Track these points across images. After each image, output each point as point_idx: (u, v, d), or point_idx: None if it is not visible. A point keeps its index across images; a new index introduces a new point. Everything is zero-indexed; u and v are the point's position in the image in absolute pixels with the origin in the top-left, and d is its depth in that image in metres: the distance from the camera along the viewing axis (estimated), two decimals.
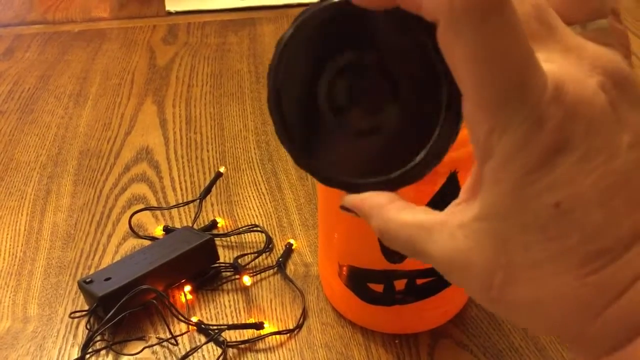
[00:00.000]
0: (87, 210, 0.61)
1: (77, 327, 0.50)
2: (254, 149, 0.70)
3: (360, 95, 0.26)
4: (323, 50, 0.25)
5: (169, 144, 0.71)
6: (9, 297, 0.52)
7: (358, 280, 0.46)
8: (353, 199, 0.26)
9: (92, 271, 0.54)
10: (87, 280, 0.49)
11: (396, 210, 0.24)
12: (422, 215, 0.24)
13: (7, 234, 0.59)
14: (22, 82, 0.84)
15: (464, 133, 0.41)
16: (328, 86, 0.26)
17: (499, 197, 0.21)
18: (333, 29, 0.25)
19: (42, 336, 0.49)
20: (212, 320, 0.50)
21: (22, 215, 0.61)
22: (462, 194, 0.24)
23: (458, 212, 0.23)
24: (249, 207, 0.61)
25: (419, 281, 0.45)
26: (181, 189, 0.64)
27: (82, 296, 0.51)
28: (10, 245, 0.57)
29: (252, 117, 0.76)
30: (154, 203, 0.62)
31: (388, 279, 0.45)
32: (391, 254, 0.43)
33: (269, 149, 0.70)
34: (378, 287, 0.45)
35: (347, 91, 0.26)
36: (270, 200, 0.62)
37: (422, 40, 0.24)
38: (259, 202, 0.62)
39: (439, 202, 0.41)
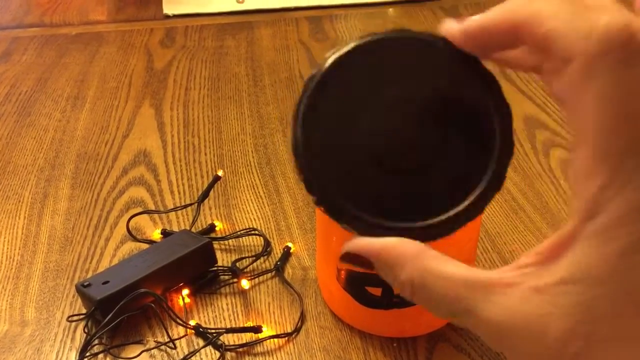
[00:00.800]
0: (84, 213, 0.61)
1: (74, 331, 0.49)
2: (252, 152, 0.70)
3: (402, 136, 0.24)
4: (364, 86, 0.24)
5: (167, 147, 0.71)
6: (6, 301, 0.52)
7: (356, 284, 0.46)
8: (371, 245, 0.23)
9: (89, 275, 0.54)
10: (85, 283, 0.49)
11: (436, 261, 0.22)
12: (472, 271, 0.22)
13: (5, 237, 0.59)
14: (19, 84, 0.84)
15: None
16: (366, 123, 0.24)
17: (602, 259, 0.19)
18: (379, 65, 0.24)
19: (40, 340, 0.49)
20: (210, 323, 0.50)
21: (19, 218, 0.61)
22: (533, 255, 0.22)
23: (531, 274, 0.21)
24: (247, 211, 0.61)
25: None
26: (179, 192, 0.64)
27: (79, 300, 0.51)
28: (7, 248, 0.57)
29: (249, 121, 0.76)
30: (151, 206, 0.62)
31: (386, 283, 0.44)
32: None
33: (266, 152, 0.70)
34: (376, 291, 0.45)
35: (389, 130, 0.24)
36: (268, 204, 0.62)
37: (482, 92, 0.23)
38: (257, 206, 0.62)
39: None
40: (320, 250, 0.50)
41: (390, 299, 0.45)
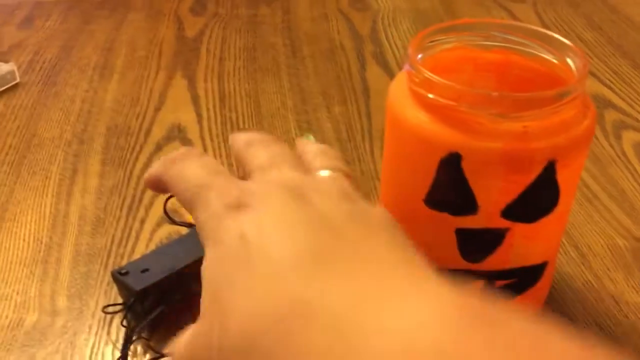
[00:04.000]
0: (117, 192, 0.57)
1: (110, 323, 0.45)
2: (294, 129, 0.65)
3: None
4: None
5: (203, 122, 0.66)
6: (36, 287, 0.48)
7: None
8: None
9: (124, 260, 0.50)
10: (122, 271, 0.45)
11: None
12: None
13: (32, 217, 0.54)
14: (43, 52, 0.79)
15: (567, 114, 0.35)
16: None
17: None
18: None
19: (73, 332, 0.44)
20: None
21: (47, 196, 0.56)
22: None
23: None
24: None
25: (499, 283, 0.39)
26: None
27: (114, 288, 0.47)
28: (35, 229, 0.53)
29: (290, 95, 0.70)
30: None
31: (463, 280, 0.39)
32: (470, 252, 0.38)
33: (310, 129, 0.65)
34: None
35: None
36: None
37: None
38: None
39: (532, 195, 0.36)
40: None
41: None
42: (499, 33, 0.41)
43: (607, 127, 0.64)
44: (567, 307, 0.45)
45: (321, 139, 0.63)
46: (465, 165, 0.35)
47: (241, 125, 0.65)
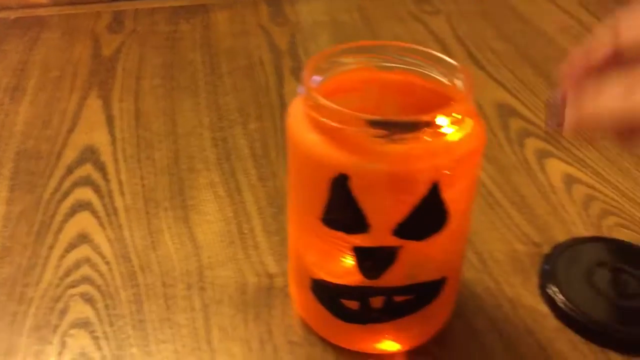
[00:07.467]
0: (24, 219, 0.55)
1: (37, 355, 0.44)
2: (210, 147, 0.65)
3: None
4: None
5: (116, 143, 0.65)
6: None
7: (331, 296, 0.42)
8: None
9: (30, 289, 0.49)
10: None
11: None
12: None
13: None
14: None
15: (450, 136, 0.37)
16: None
17: None
18: None
19: None
20: (167, 342, 0.45)
21: None
22: None
23: None
24: (206, 212, 0.56)
25: (397, 299, 0.41)
26: (130, 193, 0.59)
27: (17, 319, 0.46)
28: None
29: (207, 112, 0.70)
30: (99, 209, 0.57)
31: (364, 296, 0.41)
32: (368, 269, 0.39)
33: (226, 147, 0.65)
34: (353, 304, 0.41)
35: None
36: (229, 204, 0.57)
37: None
38: (217, 207, 0.57)
39: (420, 215, 0.37)
40: (292, 256, 0.46)
41: (367, 314, 0.41)
42: (396, 55, 0.42)
43: (511, 135, 0.66)
44: (470, 316, 0.47)
45: (236, 155, 0.63)
46: (353, 186, 0.36)
47: (156, 145, 0.65)
